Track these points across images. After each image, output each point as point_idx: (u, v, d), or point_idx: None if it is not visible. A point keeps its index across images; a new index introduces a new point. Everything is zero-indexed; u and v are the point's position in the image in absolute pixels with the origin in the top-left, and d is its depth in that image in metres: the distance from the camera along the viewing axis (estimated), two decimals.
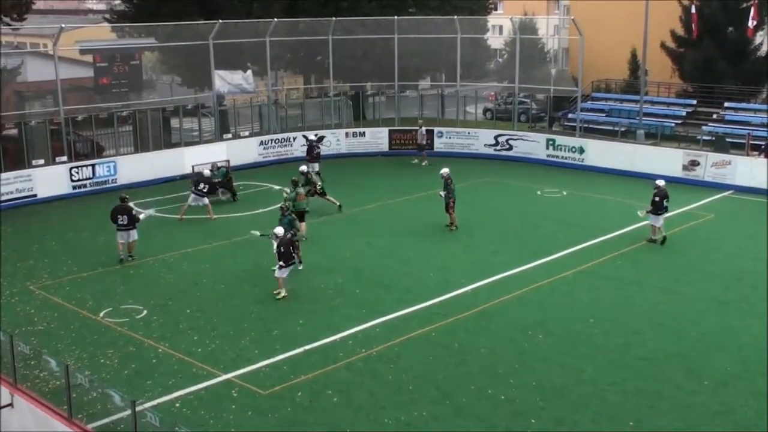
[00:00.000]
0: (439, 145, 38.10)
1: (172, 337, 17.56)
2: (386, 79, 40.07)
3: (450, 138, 38.38)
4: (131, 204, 23.41)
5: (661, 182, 24.61)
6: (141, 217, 22.80)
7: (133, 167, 32.29)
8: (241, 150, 34.10)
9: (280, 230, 19.80)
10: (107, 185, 31.44)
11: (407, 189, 31.25)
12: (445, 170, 25.85)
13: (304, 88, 44.07)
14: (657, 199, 23.74)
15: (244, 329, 17.96)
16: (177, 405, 14.56)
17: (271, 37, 36.66)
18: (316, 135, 35.02)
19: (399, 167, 35.60)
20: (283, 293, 19.60)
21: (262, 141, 36.50)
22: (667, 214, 24.20)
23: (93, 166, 31.35)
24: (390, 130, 38.86)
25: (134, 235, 22.45)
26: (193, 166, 30.19)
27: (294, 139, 37.14)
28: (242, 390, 15.14)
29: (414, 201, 29.76)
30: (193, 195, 26.60)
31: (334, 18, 37.92)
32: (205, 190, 26.66)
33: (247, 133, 37.26)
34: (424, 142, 37.13)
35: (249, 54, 38.42)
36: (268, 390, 15.11)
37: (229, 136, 36.12)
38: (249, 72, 37.77)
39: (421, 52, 40.63)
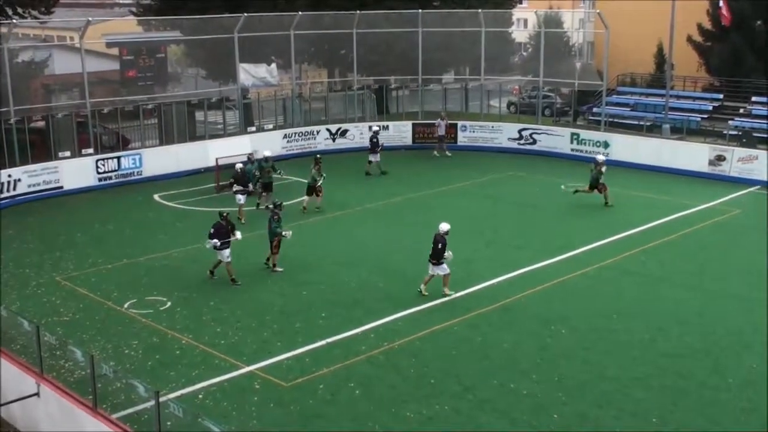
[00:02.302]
0: (462, 138, 38.00)
1: (196, 328, 17.68)
2: (410, 72, 39.99)
3: (474, 132, 38.24)
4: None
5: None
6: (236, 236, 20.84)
7: (158, 160, 32.49)
8: (265, 143, 34.13)
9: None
10: (132, 177, 31.69)
11: (431, 183, 31.23)
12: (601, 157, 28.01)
13: (328, 82, 44.07)
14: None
15: (267, 322, 18.04)
16: (200, 396, 14.66)
17: (296, 31, 36.71)
18: (379, 127, 35.09)
19: (423, 161, 35.53)
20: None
21: (285, 134, 36.59)
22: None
23: (119, 158, 31.60)
24: (414, 124, 38.80)
25: (226, 255, 20.34)
26: (217, 161, 30.12)
27: (318, 132, 37.23)
28: (265, 382, 15.21)
29: (437, 195, 29.71)
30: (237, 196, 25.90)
31: (358, 11, 37.90)
32: (239, 191, 25.82)
33: (271, 126, 37.33)
34: (444, 133, 36.98)
35: (273, 47, 38.49)
36: (290, 382, 15.17)
37: (253, 129, 36.26)
38: (273, 65, 37.85)
39: (444, 46, 40.51)
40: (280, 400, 14.53)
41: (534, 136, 37.54)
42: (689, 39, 45.91)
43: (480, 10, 38.75)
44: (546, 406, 14.30)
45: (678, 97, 42.51)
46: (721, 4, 39.56)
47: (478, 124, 38.58)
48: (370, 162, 32.55)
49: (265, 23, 36.29)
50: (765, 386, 14.96)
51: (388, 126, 38.34)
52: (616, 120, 39.93)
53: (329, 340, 16.97)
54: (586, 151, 35.78)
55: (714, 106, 41.46)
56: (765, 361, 15.95)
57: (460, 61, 46.06)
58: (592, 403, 14.40)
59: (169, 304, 19.12)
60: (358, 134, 37.73)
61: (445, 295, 19.33)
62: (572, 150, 36.39)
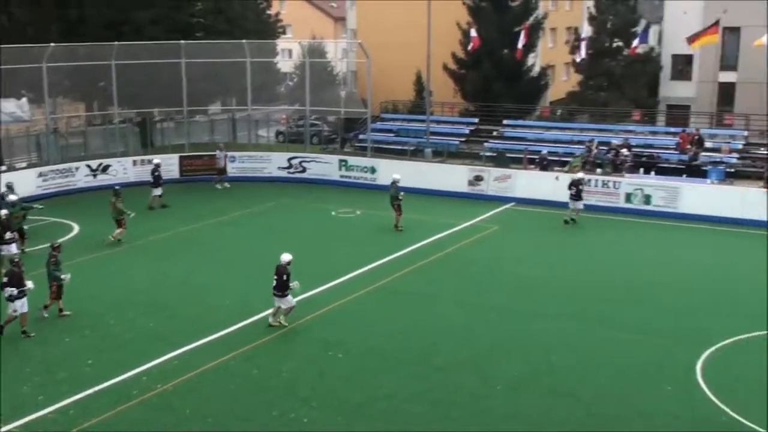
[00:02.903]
0: (232, 169, 37.50)
1: None
2: (174, 104, 39.05)
3: (243, 162, 37.99)
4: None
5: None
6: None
7: None
8: (17, 182, 31.83)
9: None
10: None
11: (201, 215, 30.58)
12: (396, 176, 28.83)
13: (86, 116, 42.02)
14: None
15: (26, 375, 16.74)
16: None
17: (48, 63, 34.74)
18: (160, 160, 33.60)
19: (192, 193, 34.75)
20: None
21: (41, 172, 34.37)
22: None
23: None
24: (180, 157, 37.91)
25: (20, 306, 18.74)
26: None
27: (77, 169, 35.32)
28: None
29: (209, 227, 29.17)
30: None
31: (116, 42, 36.52)
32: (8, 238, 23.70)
33: (24, 164, 34.96)
34: (223, 166, 36.49)
35: (24, 80, 36.17)
36: None
37: (3, 168, 33.73)
38: (24, 99, 35.56)
39: (210, 77, 40.01)
40: None
41: (303, 164, 37.91)
42: (445, 67, 48.55)
43: (244, 41, 38.70)
44: None
45: (438, 122, 44.73)
46: (473, 33, 42.20)
47: (247, 155, 38.41)
48: (155, 196, 31.71)
49: (14, 55, 33.98)
50: (528, 390, 15.89)
51: (153, 160, 37.09)
52: (381, 145, 41.26)
53: (97, 387, 16.00)
54: (355, 177, 36.66)
55: (470, 130, 44.00)
56: (527, 368, 16.95)
57: (226, 92, 45.77)
58: (369, 424, 14.59)
59: None
60: (121, 169, 36.25)
61: (282, 325, 19.04)
62: (341, 176, 37.11)
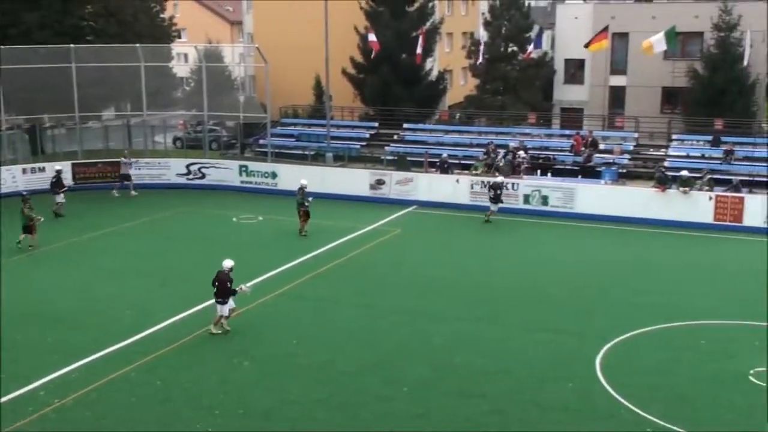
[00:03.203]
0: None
1: None
2: (66, 110, 37.73)
3: (140, 169, 37.02)
4: None
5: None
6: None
7: None
8: None
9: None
10: None
11: (99, 224, 29.66)
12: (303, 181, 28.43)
13: None
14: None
15: None
16: None
17: None
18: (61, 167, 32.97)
19: (87, 201, 33.68)
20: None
21: None
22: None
23: None
24: (73, 164, 36.67)
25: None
26: None
27: None
28: None
29: (107, 236, 28.34)
30: None
31: (2, 47, 35.05)
32: None
33: None
34: (128, 172, 35.53)
35: None
36: None
37: None
38: None
39: (102, 82, 38.83)
40: None
41: (203, 170, 37.30)
42: (344, 72, 48.62)
43: (138, 45, 37.79)
44: None
45: (338, 126, 44.83)
46: (372, 37, 42.41)
47: (144, 161, 37.50)
48: (60, 203, 30.80)
49: None
50: (433, 391, 16.03)
51: (44, 167, 35.84)
52: (282, 150, 41.05)
53: None
54: (256, 183, 36.30)
55: (371, 134, 44.25)
56: (432, 369, 17.10)
57: (120, 97, 44.47)
58: (277, 430, 14.44)
59: None
60: (10, 178, 34.77)
61: (212, 333, 18.73)
62: (242, 182, 36.68)
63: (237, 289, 18.79)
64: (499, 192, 30.32)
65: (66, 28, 40.01)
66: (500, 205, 30.43)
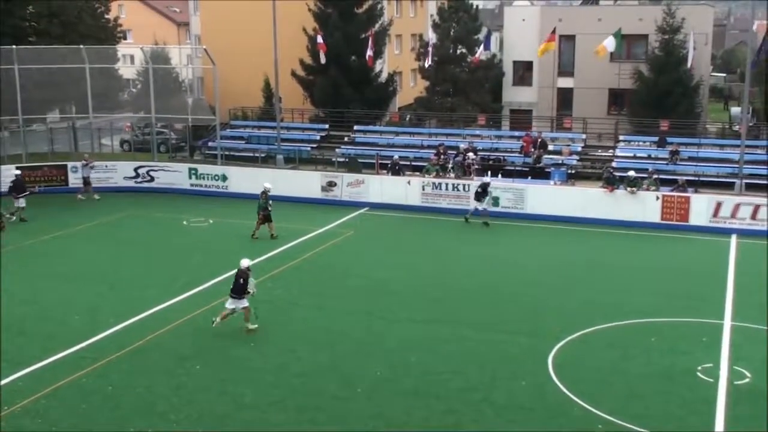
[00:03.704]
0: (74, 180, 35.93)
1: None
2: (9, 112, 36.95)
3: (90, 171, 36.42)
4: None
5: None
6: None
7: None
8: None
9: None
10: None
11: (45, 229, 29.10)
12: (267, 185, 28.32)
13: None
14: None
15: None
16: None
17: None
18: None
19: (33, 206, 32.91)
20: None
21: None
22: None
23: None
24: (17, 168, 35.81)
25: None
26: None
27: None
28: None
29: (53, 240, 27.81)
30: None
31: None
32: None
33: None
34: (88, 175, 34.85)
35: None
36: None
37: None
38: None
39: (46, 83, 38.12)
40: None
41: (151, 173, 36.82)
42: (293, 73, 48.45)
43: (82, 46, 37.18)
44: None
45: (288, 128, 44.68)
46: (320, 39, 42.31)
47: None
48: (20, 208, 30.49)
49: None
50: (388, 391, 16.05)
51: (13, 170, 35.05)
52: (232, 153, 40.77)
53: None
54: (206, 185, 35.97)
55: (322, 136, 44.21)
56: (387, 369, 17.11)
57: (65, 99, 43.67)
58: None
59: None
60: None
61: (249, 331, 19.10)
62: (191, 185, 36.31)
63: (249, 290, 19.17)
64: (489, 191, 30.55)
65: (7, 29, 39.22)
66: (482, 204, 30.46)
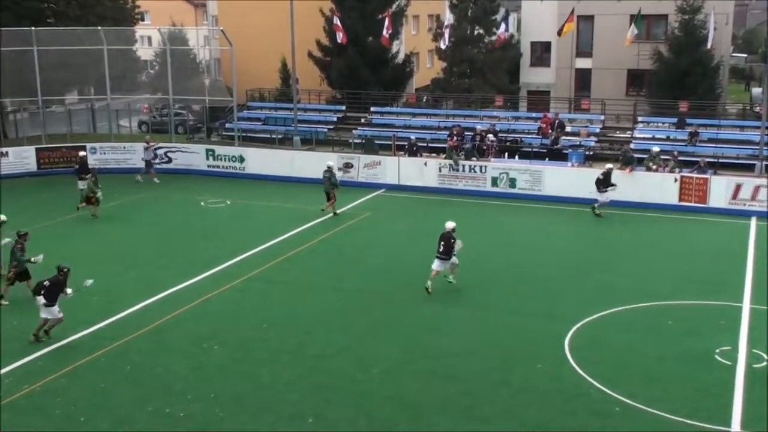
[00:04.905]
0: (93, 161, 36.05)
1: None
2: (28, 94, 37.17)
3: (105, 153, 36.65)
4: None
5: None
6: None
7: None
8: None
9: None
10: None
11: (64, 209, 29.26)
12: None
13: None
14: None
15: None
16: None
17: None
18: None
19: (52, 187, 33.24)
20: None
21: None
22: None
23: None
24: (37, 149, 36.18)
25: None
26: None
27: None
28: None
29: (73, 222, 28.00)
30: None
31: None
32: None
33: None
34: (153, 157, 35.00)
35: None
36: None
37: None
38: None
39: (65, 65, 38.27)
40: None
41: (169, 154, 36.96)
42: (310, 54, 48.31)
43: (100, 28, 37.26)
44: (204, 425, 14.06)
45: (305, 110, 44.60)
46: (336, 21, 42.12)
47: (108, 146, 37.10)
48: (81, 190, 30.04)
49: None
50: (404, 373, 16.10)
51: (7, 152, 35.36)
52: (249, 134, 40.78)
53: None
54: (223, 167, 36.06)
55: (338, 117, 44.10)
56: (402, 351, 17.15)
57: (83, 81, 43.86)
58: (249, 414, 14.43)
59: None
60: None
61: (450, 282, 20.79)
62: (209, 166, 36.43)
63: (455, 247, 20.31)
64: (609, 181, 28.67)
65: (26, 11, 39.28)
66: (607, 194, 28.72)
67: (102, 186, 28.84)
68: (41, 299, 17.33)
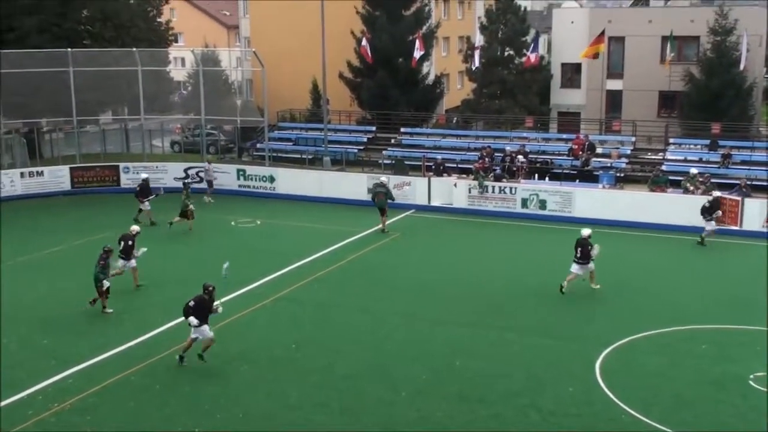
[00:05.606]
0: (126, 180, 36.59)
1: None
2: (64, 114, 37.74)
3: (137, 173, 36.95)
4: None
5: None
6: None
7: None
8: None
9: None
10: None
11: (99, 227, 29.53)
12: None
13: None
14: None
15: None
16: None
17: None
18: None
19: (85, 205, 33.64)
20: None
21: None
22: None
23: None
24: (71, 168, 36.68)
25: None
26: None
27: None
28: None
29: (107, 240, 28.19)
30: None
31: (1, 51, 35.06)
32: None
33: None
34: (212, 178, 35.55)
35: None
36: None
37: None
38: None
39: (100, 86, 38.83)
40: None
41: (200, 174, 37.24)
42: (341, 75, 48.62)
43: (135, 49, 37.81)
44: None
45: (335, 130, 44.81)
46: (364, 42, 42.39)
47: (141, 165, 37.44)
48: (147, 211, 30.56)
49: None
50: (432, 395, 16.00)
51: (43, 171, 35.89)
52: (279, 155, 41.04)
53: None
54: (254, 186, 36.29)
55: (368, 138, 44.24)
56: (432, 373, 17.06)
57: (117, 101, 44.48)
58: None
59: None
60: (8, 182, 34.79)
61: (594, 289, 22.10)
62: (240, 186, 36.68)
63: (593, 253, 21.59)
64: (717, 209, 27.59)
65: (63, 32, 40.01)
66: (715, 225, 27.56)
67: (136, 205, 29.16)
68: (193, 320, 17.11)
